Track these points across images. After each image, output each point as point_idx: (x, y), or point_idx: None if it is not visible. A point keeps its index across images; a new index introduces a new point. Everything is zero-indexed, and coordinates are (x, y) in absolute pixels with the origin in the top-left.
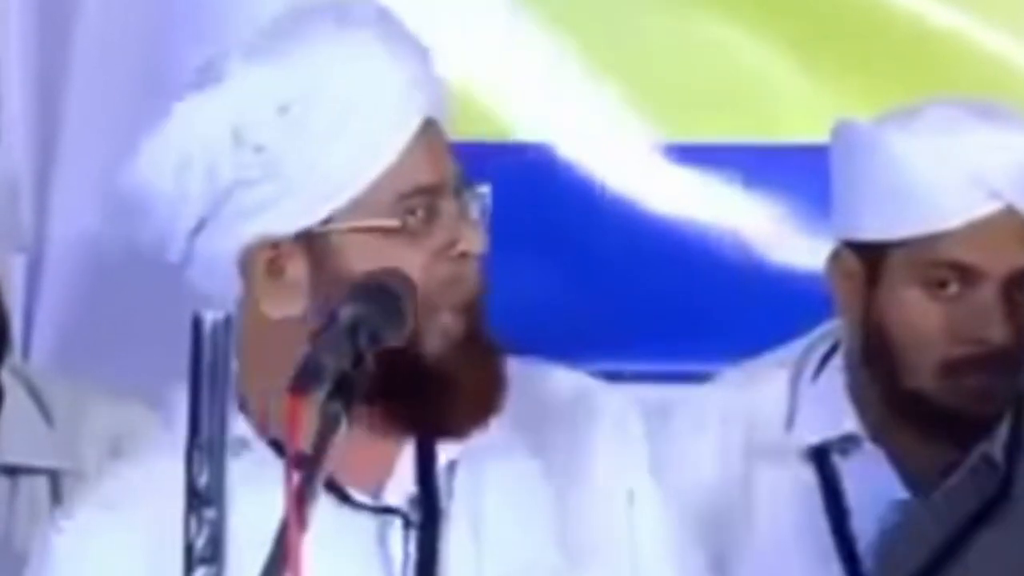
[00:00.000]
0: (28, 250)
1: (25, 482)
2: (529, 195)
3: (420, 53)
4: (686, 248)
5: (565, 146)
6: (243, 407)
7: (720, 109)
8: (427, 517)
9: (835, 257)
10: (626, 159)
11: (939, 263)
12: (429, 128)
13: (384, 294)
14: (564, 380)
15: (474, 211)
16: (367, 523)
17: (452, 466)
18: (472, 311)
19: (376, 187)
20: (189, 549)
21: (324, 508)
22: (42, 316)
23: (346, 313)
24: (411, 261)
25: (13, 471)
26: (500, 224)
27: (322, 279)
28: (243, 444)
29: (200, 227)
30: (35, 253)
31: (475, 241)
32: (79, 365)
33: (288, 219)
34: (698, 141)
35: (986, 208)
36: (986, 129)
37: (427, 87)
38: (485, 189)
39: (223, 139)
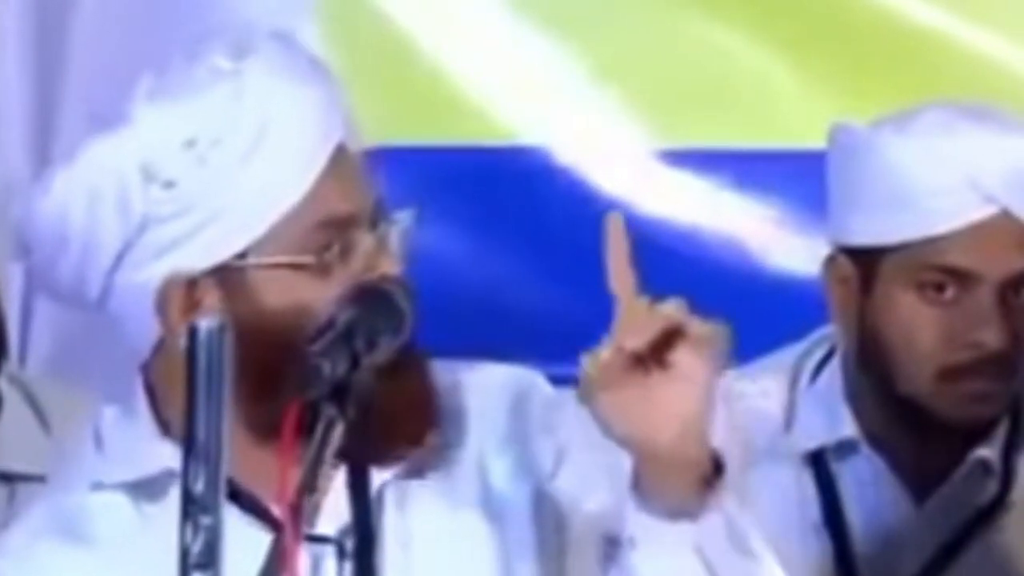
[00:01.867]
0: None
1: (22, 489)
2: (526, 198)
3: (324, 76)
4: (682, 252)
5: (562, 149)
6: (167, 434)
7: (716, 113)
8: (361, 544)
9: (830, 262)
10: (623, 163)
11: (934, 267)
12: (341, 156)
13: (382, 299)
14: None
15: (393, 240)
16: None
17: (381, 489)
18: None
19: (289, 219)
20: (185, 555)
21: (255, 537)
22: (39, 323)
23: (343, 318)
24: (325, 295)
25: (10, 478)
26: (496, 226)
27: (237, 313)
28: (171, 474)
29: (116, 265)
30: None
31: (391, 269)
32: (76, 372)
33: (202, 254)
34: (694, 145)
35: (981, 212)
36: (981, 133)
37: (333, 111)
38: (405, 216)
39: (132, 175)
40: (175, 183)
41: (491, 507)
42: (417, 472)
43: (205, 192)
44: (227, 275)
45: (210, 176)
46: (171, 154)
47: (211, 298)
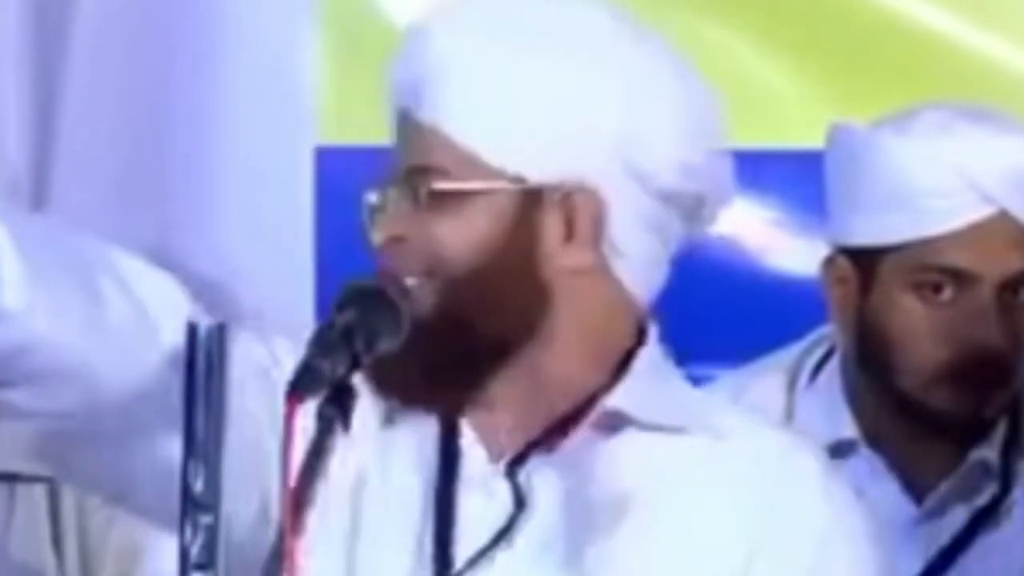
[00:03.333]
0: None
1: (23, 490)
2: None
3: None
4: (680, 253)
5: None
6: None
7: None
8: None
9: (829, 262)
10: None
11: (933, 268)
12: None
13: (380, 299)
14: None
15: None
16: None
17: None
18: None
19: None
20: (185, 555)
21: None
22: None
23: (342, 318)
24: None
25: (11, 479)
26: None
27: None
28: None
29: None
30: None
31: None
32: None
33: None
34: None
35: (980, 212)
36: (980, 133)
37: None
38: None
39: None
40: None
41: None
42: None
43: None
44: None
45: None
46: None
47: None
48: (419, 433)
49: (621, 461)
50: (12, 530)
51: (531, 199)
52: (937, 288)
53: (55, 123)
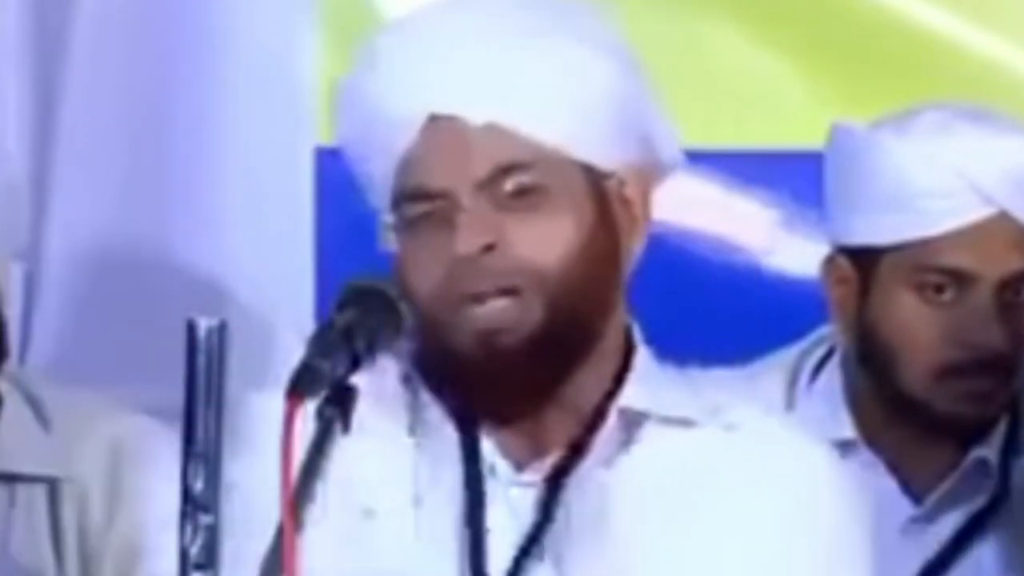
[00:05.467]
0: (26, 257)
1: (23, 490)
2: None
3: None
4: (681, 253)
5: None
6: None
7: (718, 114)
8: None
9: (829, 262)
10: None
11: (932, 268)
12: None
13: (380, 299)
14: None
15: None
16: None
17: None
18: None
19: None
20: (184, 555)
21: None
22: (40, 323)
23: (342, 318)
24: None
25: (11, 479)
26: None
27: None
28: None
29: None
30: (33, 260)
31: None
32: (77, 372)
33: None
34: (695, 145)
35: (979, 213)
36: (980, 134)
37: None
38: None
39: None
40: None
41: None
42: None
43: None
44: None
45: None
46: None
47: None
48: (438, 444)
49: (642, 459)
50: (12, 530)
51: (601, 191)
52: (937, 288)
53: (55, 123)
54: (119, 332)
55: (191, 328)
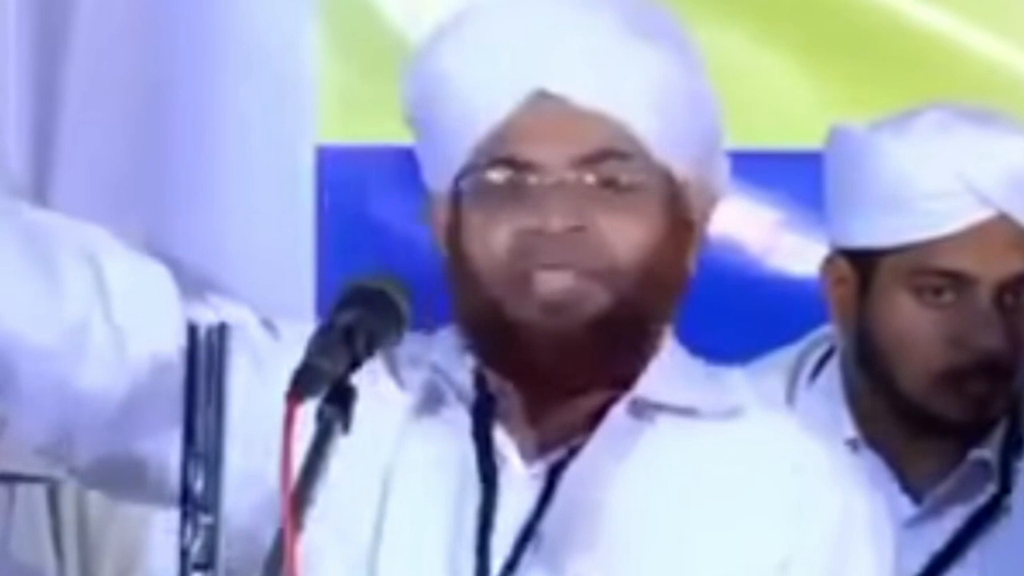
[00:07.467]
0: None
1: (23, 490)
2: None
3: None
4: None
5: None
6: None
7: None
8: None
9: (828, 263)
10: None
11: (932, 270)
12: None
13: (381, 299)
14: None
15: None
16: None
17: None
18: None
19: None
20: (185, 555)
21: None
22: None
23: (342, 318)
24: None
25: (12, 479)
26: None
27: None
28: None
29: None
30: None
31: None
32: None
33: None
34: None
35: (979, 215)
36: (979, 135)
37: None
38: None
39: None
40: None
41: None
42: None
43: None
44: None
45: None
46: None
47: None
48: (448, 428)
49: (648, 447)
50: (12, 530)
51: (676, 200)
52: (936, 291)
53: (55, 123)
54: None
55: (191, 329)
